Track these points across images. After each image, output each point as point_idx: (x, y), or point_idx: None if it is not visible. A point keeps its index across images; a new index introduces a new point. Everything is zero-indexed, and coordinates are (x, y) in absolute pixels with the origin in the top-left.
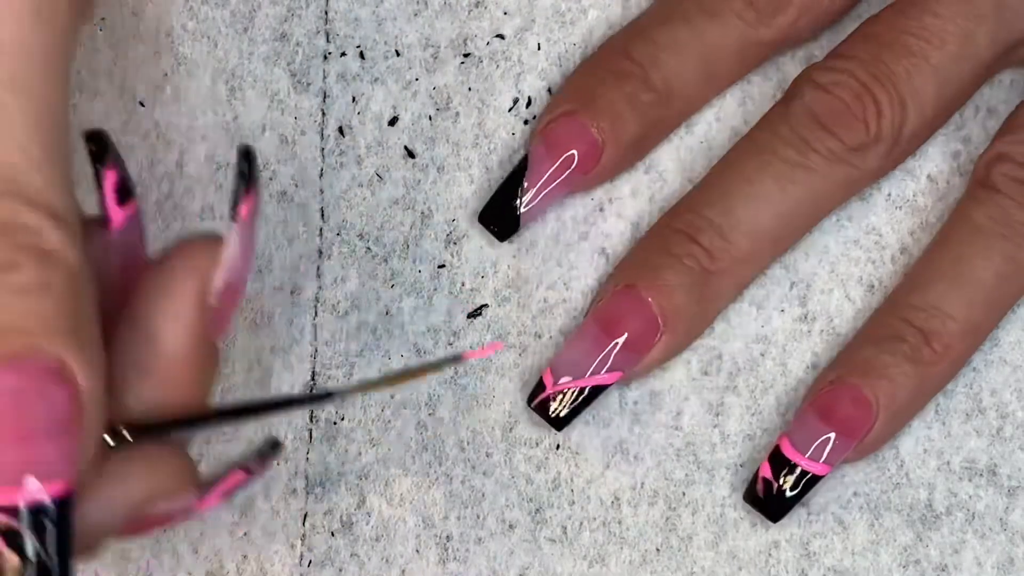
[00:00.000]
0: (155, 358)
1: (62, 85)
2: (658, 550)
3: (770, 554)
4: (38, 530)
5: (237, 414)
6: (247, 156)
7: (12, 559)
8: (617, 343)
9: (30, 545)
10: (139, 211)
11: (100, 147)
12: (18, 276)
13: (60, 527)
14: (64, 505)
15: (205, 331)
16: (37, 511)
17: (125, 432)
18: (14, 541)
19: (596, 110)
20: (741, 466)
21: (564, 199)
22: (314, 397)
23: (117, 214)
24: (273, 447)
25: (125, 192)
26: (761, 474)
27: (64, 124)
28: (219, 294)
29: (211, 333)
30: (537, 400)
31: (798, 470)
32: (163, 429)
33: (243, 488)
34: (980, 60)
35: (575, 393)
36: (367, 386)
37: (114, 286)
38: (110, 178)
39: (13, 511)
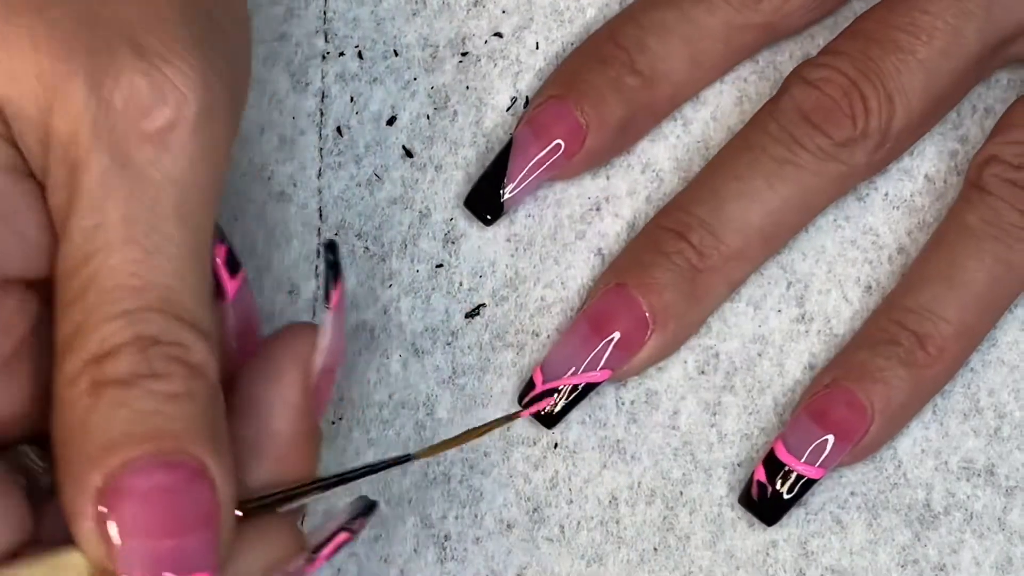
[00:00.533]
0: (268, 440)
1: (216, 211)
2: (656, 549)
3: (768, 553)
4: None
5: (328, 485)
6: (333, 250)
7: None
8: (608, 341)
9: None
10: (246, 279)
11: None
12: (169, 385)
13: None
14: None
15: (309, 413)
16: None
17: (239, 512)
18: None
19: (580, 94)
20: (738, 465)
21: (549, 183)
22: (394, 461)
23: (230, 285)
24: (370, 507)
25: (234, 264)
26: (755, 477)
27: (211, 243)
28: (318, 377)
29: (314, 413)
30: (528, 398)
31: (793, 474)
32: (271, 504)
33: (345, 547)
34: (969, 56)
35: (565, 391)
36: (441, 447)
37: (232, 350)
38: (220, 253)
39: None
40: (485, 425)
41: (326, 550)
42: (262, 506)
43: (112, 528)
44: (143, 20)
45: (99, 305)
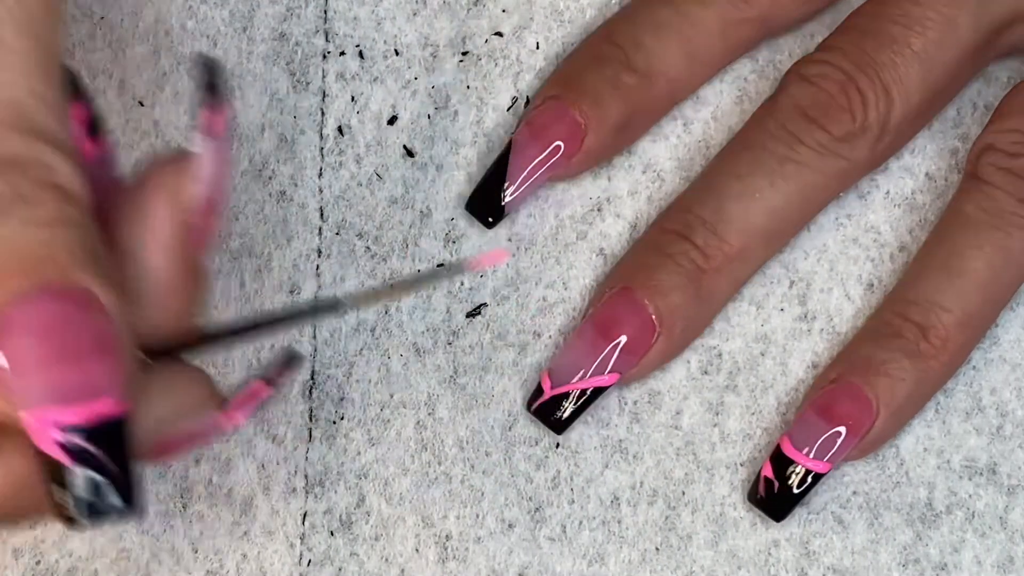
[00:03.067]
0: (141, 280)
1: (60, 27)
2: (657, 549)
3: (770, 553)
4: (101, 444)
5: (247, 330)
6: (210, 69)
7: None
8: (615, 345)
9: (95, 458)
10: (110, 146)
11: (72, 85)
12: (41, 210)
13: (121, 440)
14: (122, 421)
15: (187, 249)
16: (99, 428)
17: (142, 355)
18: (82, 457)
19: (577, 94)
20: (741, 465)
21: (550, 184)
22: (321, 306)
23: (91, 147)
24: (292, 358)
25: (95, 126)
26: (763, 474)
27: (60, 64)
28: (198, 210)
29: (194, 251)
30: (536, 404)
31: (800, 469)
32: (176, 349)
33: (266, 402)
34: (963, 46)
35: (574, 396)
36: (376, 295)
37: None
38: (79, 114)
39: (78, 429)
40: (430, 275)
41: (241, 401)
42: (167, 351)
43: (2, 361)
44: None
45: None
